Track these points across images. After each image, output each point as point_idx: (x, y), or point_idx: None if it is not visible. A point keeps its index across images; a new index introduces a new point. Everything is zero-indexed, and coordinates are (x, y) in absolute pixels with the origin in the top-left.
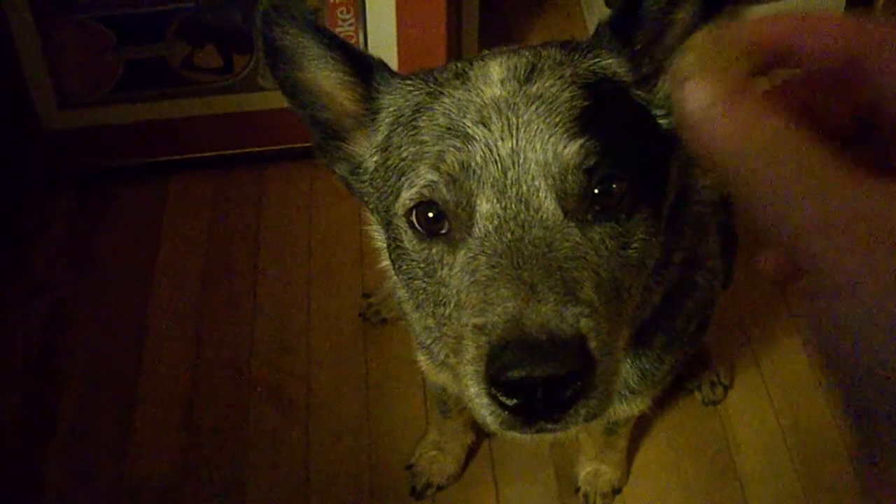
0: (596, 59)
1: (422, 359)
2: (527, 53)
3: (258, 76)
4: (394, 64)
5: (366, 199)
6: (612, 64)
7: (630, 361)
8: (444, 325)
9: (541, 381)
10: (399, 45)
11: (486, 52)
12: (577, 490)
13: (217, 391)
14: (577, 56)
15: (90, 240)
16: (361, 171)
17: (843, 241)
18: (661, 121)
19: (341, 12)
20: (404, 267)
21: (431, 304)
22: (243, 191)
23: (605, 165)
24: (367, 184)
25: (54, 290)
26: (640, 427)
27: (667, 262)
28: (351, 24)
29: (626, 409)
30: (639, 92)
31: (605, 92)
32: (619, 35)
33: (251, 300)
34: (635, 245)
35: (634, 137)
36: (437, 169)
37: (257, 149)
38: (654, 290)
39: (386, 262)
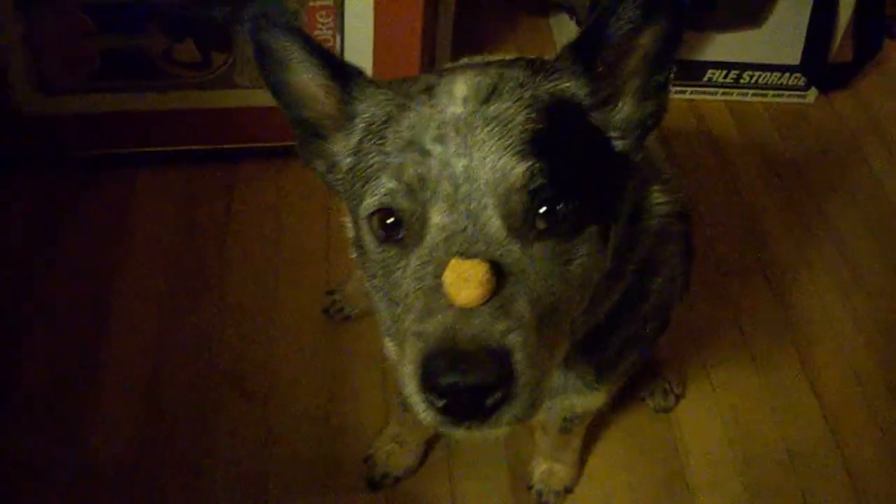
0: (556, 82)
1: (389, 345)
2: (492, 72)
3: (235, 74)
4: (368, 67)
5: (340, 195)
6: (571, 86)
7: (587, 359)
8: (397, 322)
9: (465, 389)
10: (375, 50)
11: (462, 61)
12: (531, 487)
13: (179, 377)
14: (538, 77)
15: (58, 224)
16: (336, 170)
17: None
18: (616, 142)
19: (321, 15)
20: (367, 265)
21: (387, 301)
22: (214, 185)
23: (550, 187)
24: (340, 182)
25: (19, 272)
26: (594, 430)
27: (620, 272)
28: (329, 28)
29: (584, 403)
30: (596, 114)
31: (562, 114)
32: (581, 58)
33: (217, 290)
34: (578, 261)
35: (586, 159)
36: (398, 179)
37: (229, 146)
38: (604, 299)
39: (355, 254)
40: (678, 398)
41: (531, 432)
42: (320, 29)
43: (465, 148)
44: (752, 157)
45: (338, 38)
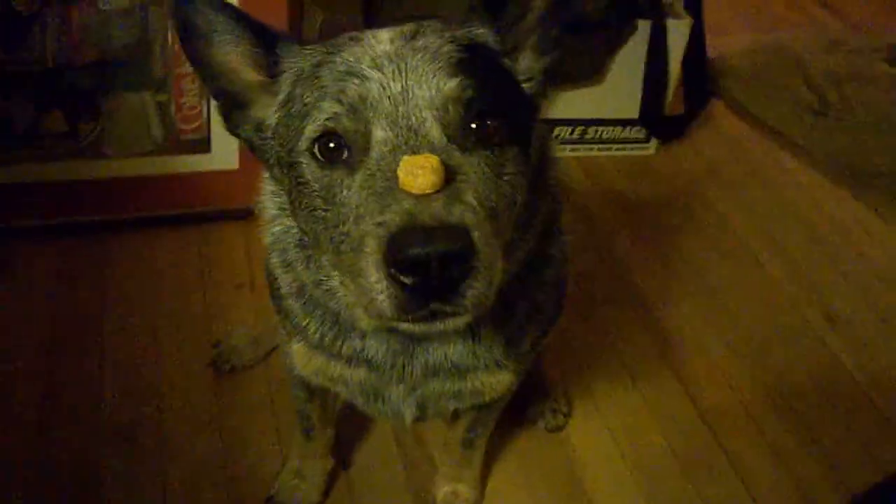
0: (470, 28)
1: (295, 347)
2: (410, 24)
3: (103, 144)
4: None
5: (267, 155)
6: (483, 34)
7: (496, 331)
8: (343, 242)
9: (434, 257)
10: None
11: None
12: None
13: (67, 435)
14: (454, 24)
15: None
16: (264, 127)
17: None
18: (524, 85)
19: (186, 82)
20: (305, 202)
21: (331, 229)
22: (88, 257)
23: (480, 101)
24: (269, 139)
25: None
26: (492, 453)
27: (530, 220)
28: (195, 95)
29: (492, 382)
30: (506, 59)
31: (479, 51)
32: (488, 11)
33: (98, 352)
34: (507, 176)
35: (504, 89)
36: (340, 101)
37: (102, 217)
38: (518, 245)
39: (269, 238)
40: (567, 416)
41: (431, 459)
42: (186, 96)
43: (400, 72)
44: (607, 205)
45: (205, 107)
